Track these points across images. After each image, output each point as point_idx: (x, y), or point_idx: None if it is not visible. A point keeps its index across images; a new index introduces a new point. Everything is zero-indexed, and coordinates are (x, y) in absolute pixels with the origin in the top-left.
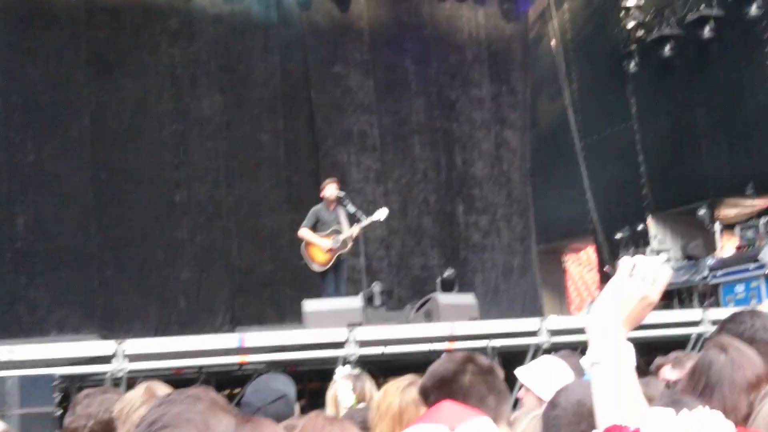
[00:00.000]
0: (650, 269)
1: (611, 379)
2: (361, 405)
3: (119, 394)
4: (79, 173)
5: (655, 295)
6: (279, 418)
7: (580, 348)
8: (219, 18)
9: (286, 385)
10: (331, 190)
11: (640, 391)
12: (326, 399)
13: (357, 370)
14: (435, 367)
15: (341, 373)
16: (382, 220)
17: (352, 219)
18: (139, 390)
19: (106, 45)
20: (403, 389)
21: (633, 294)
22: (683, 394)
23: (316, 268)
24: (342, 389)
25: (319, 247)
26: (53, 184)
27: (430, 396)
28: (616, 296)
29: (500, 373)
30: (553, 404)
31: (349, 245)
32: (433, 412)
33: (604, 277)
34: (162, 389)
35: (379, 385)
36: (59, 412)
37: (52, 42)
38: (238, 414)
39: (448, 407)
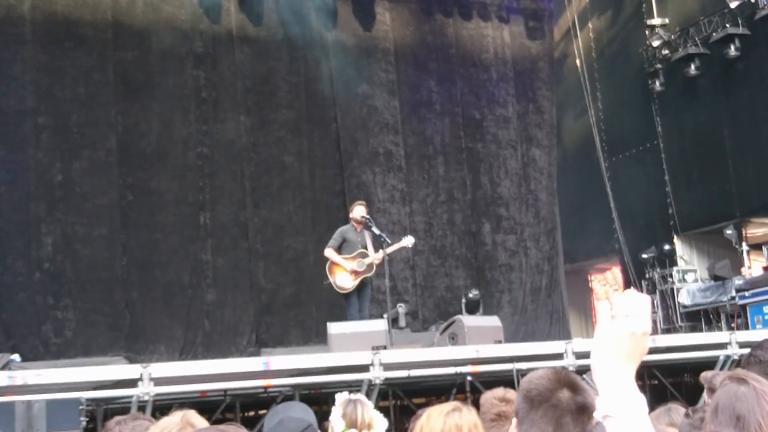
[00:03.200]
0: (628, 304)
1: (622, 429)
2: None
3: (150, 421)
4: (106, 194)
5: (643, 327)
6: None
7: None
8: (244, 40)
9: (307, 413)
10: (359, 211)
11: None
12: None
13: (356, 396)
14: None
15: (339, 399)
16: (409, 246)
17: (378, 241)
18: (175, 418)
19: (133, 67)
20: (447, 413)
21: (621, 335)
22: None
23: (340, 290)
24: (333, 417)
25: (344, 269)
26: (80, 204)
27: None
28: (607, 343)
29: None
30: (597, 425)
31: (374, 269)
32: None
33: None
34: (197, 419)
35: (403, 408)
36: None
37: (80, 64)
38: None
39: None
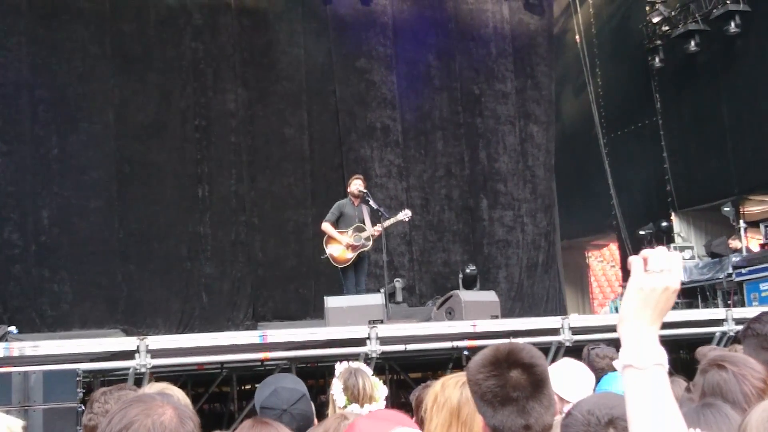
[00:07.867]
0: (664, 259)
1: (645, 383)
2: (354, 406)
3: (136, 391)
4: (103, 167)
5: (676, 283)
6: (303, 416)
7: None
8: (243, 12)
9: (299, 384)
10: (356, 185)
11: (672, 396)
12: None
13: (356, 364)
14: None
15: (339, 369)
16: (406, 220)
17: (375, 216)
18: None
19: (131, 39)
20: (462, 384)
21: (656, 288)
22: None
23: (337, 263)
24: (334, 389)
25: (340, 243)
26: (77, 177)
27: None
28: (640, 295)
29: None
30: (568, 413)
31: (370, 243)
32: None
33: (627, 275)
34: (176, 391)
35: (399, 382)
36: (82, 407)
37: (76, 36)
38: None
39: (363, 423)
